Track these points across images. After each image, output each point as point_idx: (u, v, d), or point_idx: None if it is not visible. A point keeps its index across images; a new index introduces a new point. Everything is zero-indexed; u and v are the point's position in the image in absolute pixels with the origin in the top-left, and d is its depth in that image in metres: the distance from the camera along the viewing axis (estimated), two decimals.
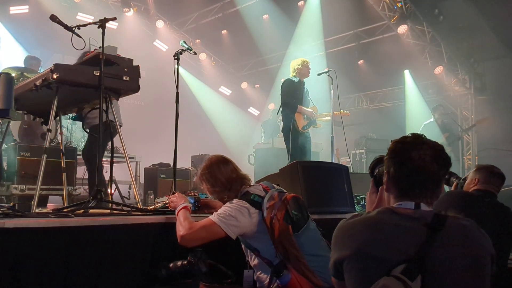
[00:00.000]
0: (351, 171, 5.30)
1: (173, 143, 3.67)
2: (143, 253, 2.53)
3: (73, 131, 6.66)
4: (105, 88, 3.08)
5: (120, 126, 4.72)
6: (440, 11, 8.61)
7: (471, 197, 2.76)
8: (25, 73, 5.10)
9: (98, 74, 3.02)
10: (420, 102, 9.85)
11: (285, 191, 2.57)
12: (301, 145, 5.68)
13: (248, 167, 8.33)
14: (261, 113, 12.91)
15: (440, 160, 1.44)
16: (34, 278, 2.13)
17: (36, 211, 2.87)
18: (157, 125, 9.73)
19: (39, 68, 5.87)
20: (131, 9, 10.40)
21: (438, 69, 9.58)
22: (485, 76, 9.59)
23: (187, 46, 3.87)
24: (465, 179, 2.96)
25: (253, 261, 2.45)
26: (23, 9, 9.20)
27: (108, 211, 2.93)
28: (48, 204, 4.96)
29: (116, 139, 3.86)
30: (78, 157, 5.54)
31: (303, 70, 5.78)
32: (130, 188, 6.50)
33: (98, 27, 3.17)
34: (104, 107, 3.15)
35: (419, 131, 1.60)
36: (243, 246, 2.53)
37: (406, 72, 10.12)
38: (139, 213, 2.94)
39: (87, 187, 4.77)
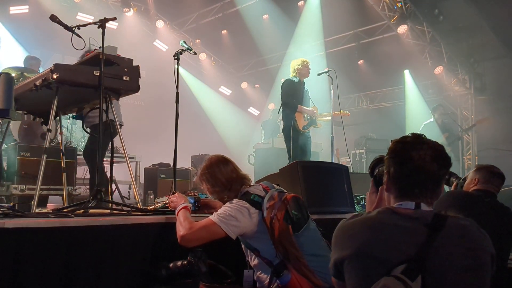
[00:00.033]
0: (351, 171, 5.30)
1: (173, 143, 3.67)
2: (143, 253, 2.53)
3: (73, 131, 6.67)
4: (105, 88, 3.08)
5: (121, 126, 4.73)
6: (440, 11, 8.61)
7: (471, 197, 2.76)
8: (25, 73, 5.11)
9: (98, 74, 3.02)
10: (420, 102, 9.85)
11: (285, 191, 2.57)
12: (302, 145, 5.68)
13: (248, 167, 8.33)
14: (261, 113, 12.90)
15: (440, 160, 1.44)
16: (34, 278, 2.13)
17: (36, 211, 2.87)
18: (157, 125, 9.74)
19: (39, 68, 5.88)
20: (131, 9, 10.40)
21: (438, 69, 9.59)
22: (485, 76, 9.59)
23: (187, 46, 3.87)
24: (465, 179, 2.96)
25: (253, 261, 2.45)
26: (23, 9, 9.20)
27: (108, 211, 2.93)
28: (48, 204, 4.96)
29: (116, 139, 3.86)
30: (78, 157, 5.55)
31: (303, 70, 5.79)
32: (130, 188, 6.50)
33: (98, 27, 3.17)
34: (104, 107, 3.15)
35: (419, 131, 1.60)
36: (243, 246, 2.53)
37: (406, 72, 10.12)
38: (139, 213, 2.94)
39: (88, 186, 4.79)
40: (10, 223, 2.11)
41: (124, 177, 6.15)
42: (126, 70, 3.23)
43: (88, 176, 5.14)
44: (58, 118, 3.98)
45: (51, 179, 4.44)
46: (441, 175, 1.45)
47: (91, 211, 2.76)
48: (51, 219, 2.31)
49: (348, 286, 1.42)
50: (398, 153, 1.47)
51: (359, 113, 10.95)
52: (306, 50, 10.10)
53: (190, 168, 7.41)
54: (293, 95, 5.71)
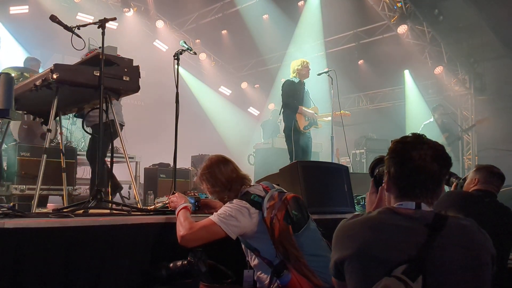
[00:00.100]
0: (351, 171, 5.30)
1: (173, 143, 3.67)
2: (143, 253, 2.53)
3: (73, 131, 6.67)
4: (105, 88, 3.08)
5: (123, 126, 4.73)
6: (440, 11, 8.61)
7: (471, 197, 2.77)
8: (25, 73, 5.11)
9: (98, 74, 3.02)
10: (420, 102, 9.84)
11: (285, 191, 2.56)
12: (303, 146, 5.69)
13: (248, 167, 8.33)
14: (261, 113, 12.90)
15: (440, 160, 1.44)
16: (34, 278, 2.13)
17: (36, 211, 2.87)
18: (157, 125, 9.74)
19: (39, 69, 5.88)
20: (131, 9, 10.39)
21: (438, 69, 9.59)
22: (485, 76, 9.59)
23: (187, 46, 3.87)
24: (465, 179, 2.96)
25: (253, 261, 2.45)
26: (23, 9, 9.20)
27: (108, 211, 2.93)
28: (48, 204, 4.96)
29: (116, 139, 3.86)
30: (78, 157, 5.55)
31: (303, 71, 5.80)
32: (130, 188, 6.49)
33: (98, 27, 3.17)
34: (104, 107, 3.15)
35: (419, 131, 1.60)
36: (243, 246, 2.52)
37: (406, 72, 10.12)
38: (139, 213, 2.94)
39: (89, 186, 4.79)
40: (10, 223, 2.11)
41: (124, 177, 6.14)
42: (126, 70, 3.23)
43: (89, 176, 5.15)
44: (58, 118, 3.98)
45: (51, 179, 4.44)
46: (441, 175, 1.45)
47: (91, 211, 2.76)
48: (51, 219, 2.31)
49: (348, 286, 1.42)
50: (399, 153, 1.47)
51: (359, 113, 10.94)
52: (306, 50, 10.10)
53: (190, 168, 7.41)
54: (293, 96, 5.72)
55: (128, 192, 6.45)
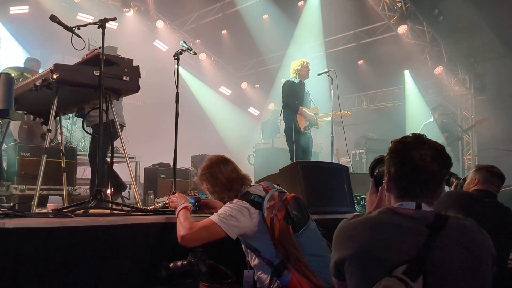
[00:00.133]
0: (351, 171, 5.30)
1: (173, 143, 3.67)
2: (143, 253, 2.53)
3: (73, 131, 6.66)
4: (105, 88, 3.07)
5: (123, 127, 4.73)
6: (440, 11, 8.61)
7: (471, 197, 2.77)
8: (25, 73, 5.11)
9: (98, 74, 3.02)
10: (420, 102, 9.84)
11: (285, 191, 2.56)
12: (304, 146, 5.69)
13: (248, 167, 8.33)
14: (261, 113, 12.90)
15: (441, 160, 1.44)
16: (34, 278, 2.13)
17: (36, 211, 2.86)
18: (157, 125, 9.74)
19: (39, 70, 5.88)
20: (131, 9, 10.39)
21: (438, 69, 9.58)
22: (485, 76, 9.59)
23: (187, 46, 3.87)
24: (465, 179, 2.96)
25: (254, 261, 2.45)
26: (23, 9, 9.20)
27: (108, 211, 2.93)
28: (48, 204, 4.96)
29: (116, 139, 3.86)
30: (78, 157, 5.55)
31: (303, 71, 5.81)
32: (130, 188, 6.49)
33: (98, 27, 3.17)
34: (104, 107, 3.15)
35: (418, 131, 1.60)
36: (243, 246, 2.52)
37: (406, 72, 10.12)
38: (139, 213, 2.94)
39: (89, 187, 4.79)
40: (10, 223, 2.11)
41: (124, 177, 6.14)
42: (126, 70, 3.23)
43: (89, 176, 5.14)
44: (58, 118, 3.98)
45: (51, 179, 4.44)
46: (441, 175, 1.45)
47: (91, 211, 2.76)
48: (51, 219, 2.31)
49: (349, 286, 1.42)
50: (399, 153, 1.47)
51: (359, 113, 10.94)
52: (306, 50, 10.10)
53: (190, 168, 7.41)
54: (293, 96, 5.72)
55: (128, 192, 6.45)
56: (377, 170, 1.81)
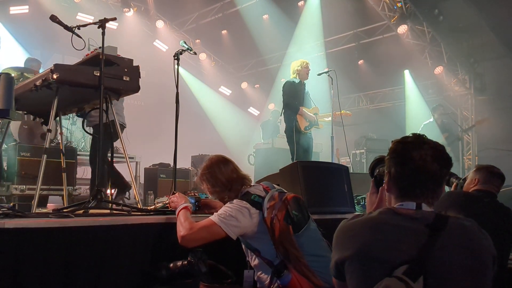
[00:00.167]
0: (351, 171, 5.30)
1: (173, 143, 3.67)
2: (143, 253, 2.53)
3: (73, 131, 6.67)
4: (105, 88, 3.07)
5: (124, 127, 4.73)
6: (440, 11, 8.61)
7: (471, 197, 2.77)
8: (25, 74, 5.11)
9: (98, 74, 3.02)
10: (420, 102, 9.84)
11: (285, 191, 2.56)
12: (305, 146, 5.69)
13: (248, 167, 8.33)
14: (261, 113, 12.90)
15: (441, 160, 1.43)
16: (34, 278, 2.13)
17: (36, 211, 2.86)
18: (157, 125, 9.74)
19: (39, 70, 5.88)
20: (131, 9, 10.40)
21: (438, 69, 9.58)
22: (485, 76, 9.59)
23: (187, 46, 3.87)
24: (465, 179, 2.96)
25: (254, 261, 2.45)
26: (23, 9, 9.20)
27: (108, 211, 2.93)
28: (48, 204, 4.96)
29: (117, 140, 3.86)
30: (78, 157, 5.54)
31: (303, 71, 5.81)
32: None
33: (98, 27, 3.17)
34: (104, 107, 3.15)
35: (418, 131, 1.60)
36: (243, 246, 2.52)
37: (406, 72, 10.12)
38: (139, 213, 2.94)
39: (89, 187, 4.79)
40: (10, 223, 2.11)
41: (124, 177, 6.15)
42: (126, 70, 3.22)
43: (89, 176, 5.15)
44: (58, 118, 3.98)
45: (51, 179, 4.44)
46: (442, 175, 1.45)
47: (91, 211, 2.76)
48: (51, 219, 2.30)
49: (349, 286, 1.41)
50: (399, 153, 1.47)
51: (359, 113, 10.94)
52: (306, 50, 10.11)
53: (190, 168, 7.41)
54: (294, 97, 5.72)
55: (128, 192, 6.46)
56: (377, 170, 1.80)
